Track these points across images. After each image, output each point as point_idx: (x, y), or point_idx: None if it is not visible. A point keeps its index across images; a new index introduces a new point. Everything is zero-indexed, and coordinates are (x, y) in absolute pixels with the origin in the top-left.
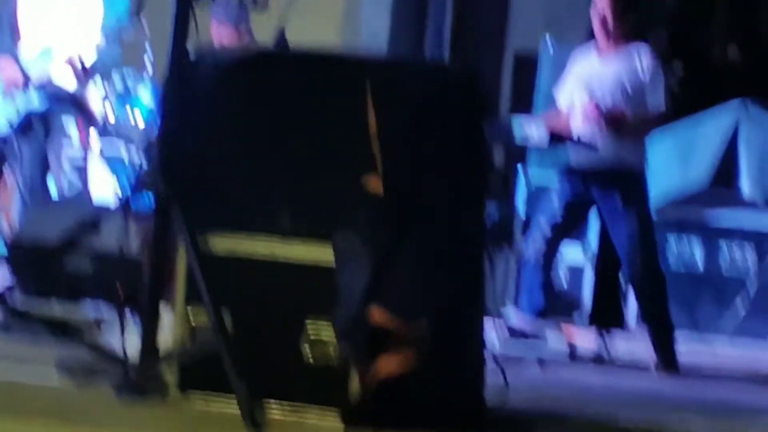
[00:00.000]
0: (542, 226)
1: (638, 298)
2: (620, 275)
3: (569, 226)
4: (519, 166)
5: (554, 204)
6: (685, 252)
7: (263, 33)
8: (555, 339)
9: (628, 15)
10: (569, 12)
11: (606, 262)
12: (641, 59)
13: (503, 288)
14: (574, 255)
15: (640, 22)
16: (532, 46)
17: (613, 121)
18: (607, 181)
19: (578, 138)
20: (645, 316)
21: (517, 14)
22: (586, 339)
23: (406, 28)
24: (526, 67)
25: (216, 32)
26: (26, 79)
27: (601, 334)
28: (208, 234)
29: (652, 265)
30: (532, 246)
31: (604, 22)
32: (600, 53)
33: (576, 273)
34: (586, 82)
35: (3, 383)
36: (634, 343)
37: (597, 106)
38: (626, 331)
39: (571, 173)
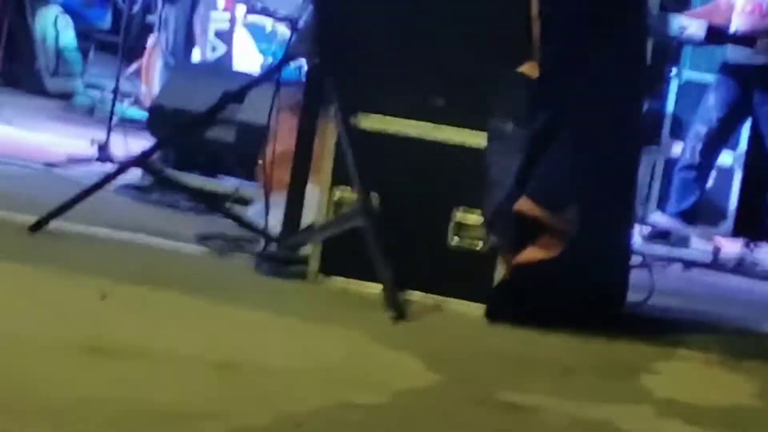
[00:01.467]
0: (698, 127)
1: None
2: None
3: (726, 129)
4: (672, 63)
5: (710, 105)
6: None
7: None
8: (699, 244)
9: None
10: None
11: (756, 170)
12: None
13: (649, 188)
14: (724, 159)
15: None
16: None
17: None
18: (766, 80)
19: (738, 33)
20: None
21: None
22: (730, 247)
23: None
24: None
25: None
26: None
27: (746, 245)
28: (360, 113)
29: None
30: (688, 148)
31: None
32: None
33: (725, 179)
34: None
35: (143, 248)
36: None
37: (759, 2)
38: None
39: (728, 70)
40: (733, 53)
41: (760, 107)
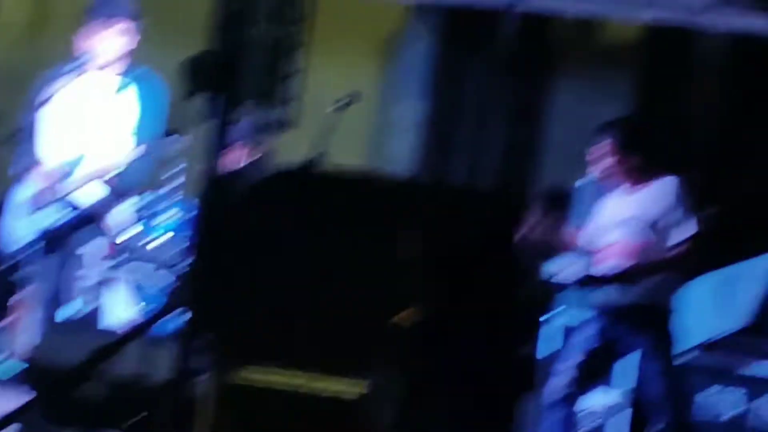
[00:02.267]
0: (567, 367)
1: None
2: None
3: (596, 368)
4: (545, 304)
5: (580, 344)
6: (721, 400)
7: (290, 153)
8: None
9: (633, 158)
10: None
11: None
12: (669, 194)
13: None
14: (602, 400)
15: (668, 158)
16: (562, 180)
17: (643, 257)
18: (638, 320)
19: (606, 276)
20: None
21: (551, 149)
22: None
23: (432, 155)
24: (557, 202)
25: (230, 153)
26: (54, 191)
27: None
28: (237, 364)
29: (681, 413)
30: (555, 388)
31: (617, 163)
32: (627, 190)
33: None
34: (616, 219)
35: None
36: None
37: (627, 244)
38: None
39: (599, 312)
40: (604, 294)
41: (629, 344)
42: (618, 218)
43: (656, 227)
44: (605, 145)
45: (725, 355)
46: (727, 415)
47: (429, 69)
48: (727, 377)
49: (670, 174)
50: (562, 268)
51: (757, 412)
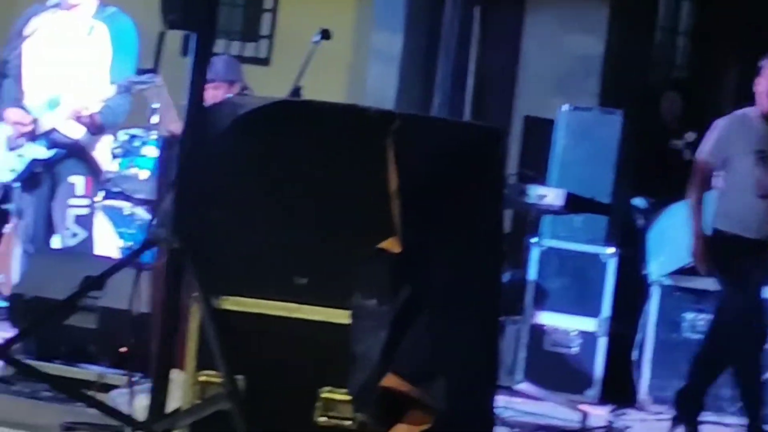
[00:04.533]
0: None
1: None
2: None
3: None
4: (532, 231)
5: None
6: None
7: (265, 90)
8: (566, 412)
9: None
10: (578, 77)
11: (620, 336)
12: None
13: (514, 357)
14: (587, 325)
15: None
16: (541, 110)
17: None
18: None
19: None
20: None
21: (528, 79)
22: (598, 414)
23: (412, 89)
24: (537, 132)
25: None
26: (33, 128)
27: (613, 411)
28: (223, 295)
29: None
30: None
31: None
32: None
33: (589, 345)
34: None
35: None
36: (647, 421)
37: None
38: (639, 409)
39: None
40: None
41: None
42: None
43: None
44: None
45: None
46: None
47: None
48: None
49: None
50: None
51: None
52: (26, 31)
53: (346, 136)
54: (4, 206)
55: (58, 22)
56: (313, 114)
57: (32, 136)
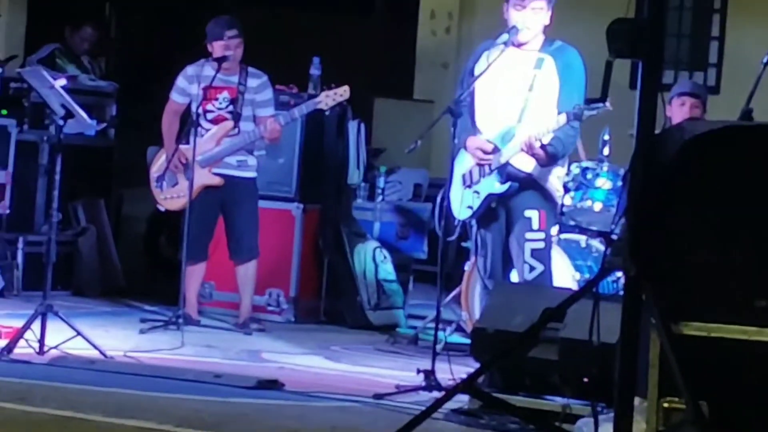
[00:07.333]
0: None
1: None
2: None
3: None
4: None
5: None
6: None
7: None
8: None
9: None
10: None
11: None
12: None
13: None
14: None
15: None
16: None
17: None
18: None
19: None
20: None
21: None
22: None
23: None
24: None
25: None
26: (492, 157)
27: None
28: (681, 321)
29: None
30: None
31: None
32: None
33: None
34: None
35: None
36: None
37: None
38: None
39: None
40: None
41: None
42: None
43: None
44: None
45: None
46: None
47: None
48: None
49: None
50: None
51: None
52: (477, 69)
53: None
54: (464, 244)
55: (508, 57)
56: (764, 136)
57: (487, 171)
